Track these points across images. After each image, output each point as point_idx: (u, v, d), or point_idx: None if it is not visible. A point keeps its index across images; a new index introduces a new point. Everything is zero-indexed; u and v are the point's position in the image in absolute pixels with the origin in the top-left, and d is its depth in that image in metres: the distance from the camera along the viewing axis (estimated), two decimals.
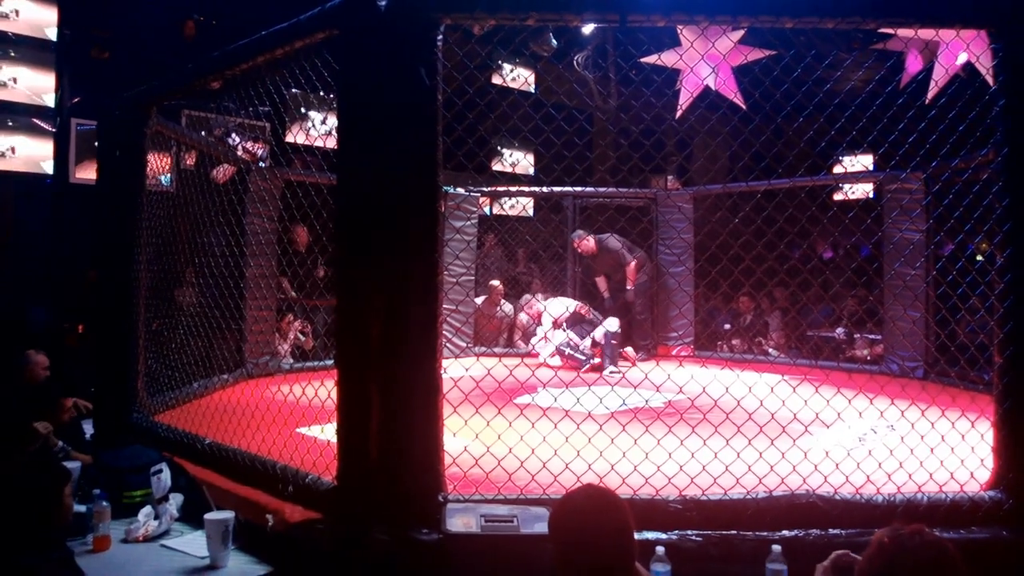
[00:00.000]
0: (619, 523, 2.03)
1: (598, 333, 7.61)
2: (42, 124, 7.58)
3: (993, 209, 3.32)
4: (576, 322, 7.87)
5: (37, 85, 7.57)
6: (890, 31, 6.02)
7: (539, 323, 8.34)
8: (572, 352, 7.61)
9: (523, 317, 8.82)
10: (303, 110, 8.89)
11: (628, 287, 8.28)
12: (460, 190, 8.30)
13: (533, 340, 8.35)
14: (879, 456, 3.62)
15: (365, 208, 3.22)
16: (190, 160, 5.79)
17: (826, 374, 5.54)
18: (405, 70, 3.18)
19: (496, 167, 11.16)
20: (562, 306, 8.03)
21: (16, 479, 2.54)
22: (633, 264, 8.26)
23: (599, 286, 8.68)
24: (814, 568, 2.27)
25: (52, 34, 7.64)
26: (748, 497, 3.15)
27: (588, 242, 8.37)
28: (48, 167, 7.63)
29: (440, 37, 3.24)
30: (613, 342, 7.49)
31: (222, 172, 6.34)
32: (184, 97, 5.53)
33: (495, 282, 8.92)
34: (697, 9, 3.41)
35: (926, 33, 3.95)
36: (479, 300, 8.84)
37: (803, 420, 3.93)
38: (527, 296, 8.58)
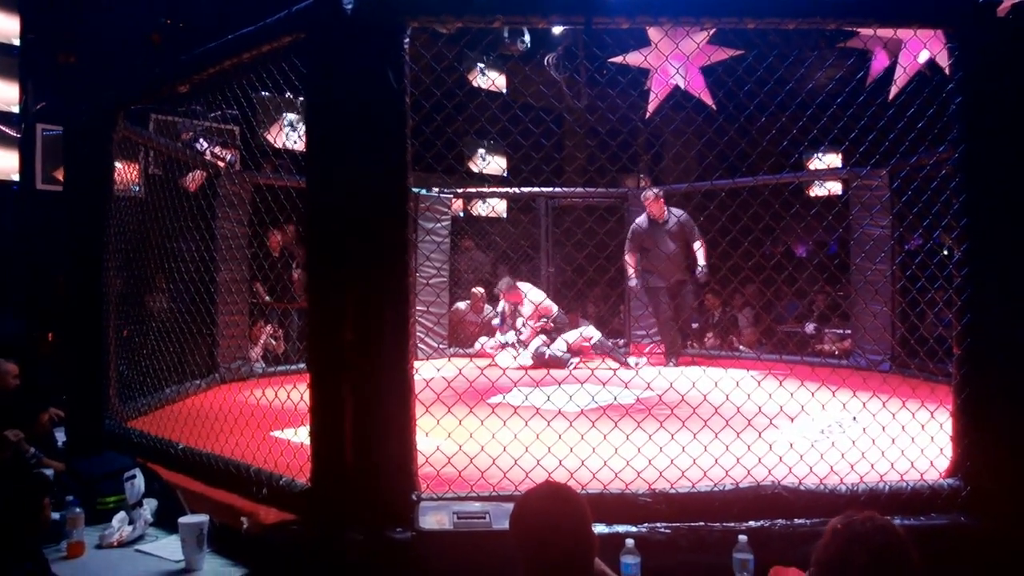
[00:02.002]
0: (577, 519, 2.07)
1: (585, 334, 7.62)
2: (8, 131, 7.49)
3: (951, 204, 3.41)
4: (552, 321, 7.86)
5: (2, 93, 7.48)
6: (851, 29, 6.12)
7: (516, 309, 7.97)
8: (553, 354, 7.47)
9: (495, 321, 8.77)
10: (275, 113, 8.84)
11: (702, 264, 7.35)
12: (434, 190, 8.29)
13: (483, 340, 8.26)
14: (842, 447, 3.69)
15: (335, 211, 3.25)
16: (157, 167, 5.75)
17: (791, 368, 5.64)
18: (373, 73, 3.20)
19: (468, 168, 11.16)
20: (541, 294, 7.94)
21: None
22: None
23: (629, 261, 7.65)
24: (779, 556, 2.34)
25: (16, 42, 7.57)
26: (715, 489, 3.22)
27: (661, 202, 7.52)
28: (14, 177, 7.55)
29: (407, 40, 3.26)
30: (608, 342, 7.63)
31: (192, 179, 6.31)
32: (152, 102, 5.49)
33: (478, 289, 8.89)
34: (661, 11, 3.47)
35: (885, 32, 4.03)
36: (462, 305, 8.82)
37: (768, 413, 4.01)
38: (507, 280, 8.09)
